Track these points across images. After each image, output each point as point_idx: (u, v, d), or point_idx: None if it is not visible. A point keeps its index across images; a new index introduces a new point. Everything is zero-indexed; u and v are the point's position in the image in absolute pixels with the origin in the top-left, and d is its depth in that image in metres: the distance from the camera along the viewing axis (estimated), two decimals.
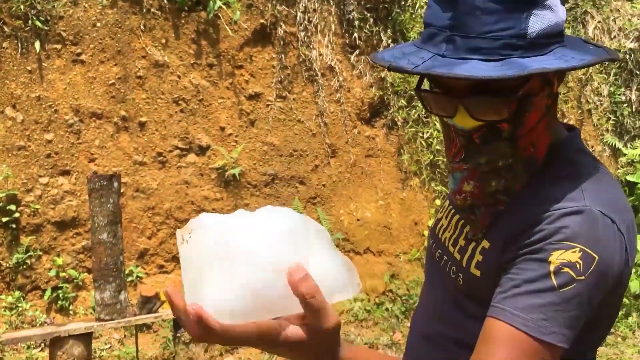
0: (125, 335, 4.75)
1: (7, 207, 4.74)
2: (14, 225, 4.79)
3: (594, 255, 0.90)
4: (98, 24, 5.18)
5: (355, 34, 5.83)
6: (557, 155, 1.03)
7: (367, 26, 5.86)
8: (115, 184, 3.36)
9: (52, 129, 5.01)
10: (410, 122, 5.90)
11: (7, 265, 4.76)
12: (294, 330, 0.73)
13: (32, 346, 4.46)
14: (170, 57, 5.36)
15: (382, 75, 5.91)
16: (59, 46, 5.08)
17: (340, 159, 5.76)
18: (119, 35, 5.24)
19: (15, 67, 4.95)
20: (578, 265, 0.90)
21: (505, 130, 0.98)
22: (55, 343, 3.18)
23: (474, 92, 0.95)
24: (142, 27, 5.29)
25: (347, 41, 5.89)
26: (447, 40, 0.94)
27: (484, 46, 0.91)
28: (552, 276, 0.90)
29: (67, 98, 5.07)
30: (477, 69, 0.89)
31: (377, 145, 5.89)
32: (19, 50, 4.94)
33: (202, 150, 5.41)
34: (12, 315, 4.62)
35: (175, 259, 5.24)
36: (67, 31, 5.11)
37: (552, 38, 0.95)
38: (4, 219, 4.74)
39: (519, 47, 0.91)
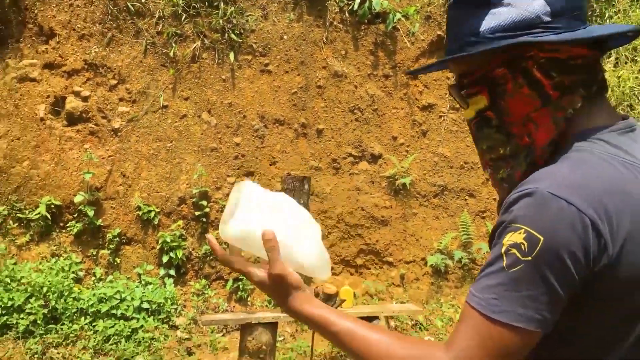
0: (296, 330, 5.01)
1: (200, 202, 5.23)
2: (204, 219, 5.29)
3: (539, 236, 0.89)
4: (285, 37, 5.55)
5: None
6: (566, 147, 1.01)
7: None
8: (306, 186, 3.59)
9: (240, 133, 5.45)
10: None
11: (197, 255, 5.25)
12: (260, 272, 1.10)
13: (214, 331, 4.87)
14: (349, 67, 5.58)
15: None
16: (249, 57, 5.52)
17: None
18: (303, 47, 5.57)
19: (212, 76, 5.46)
20: (523, 246, 0.90)
21: (492, 118, 1.06)
22: (247, 328, 3.46)
23: (456, 86, 1.10)
24: (324, 39, 5.58)
25: None
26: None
27: (451, 47, 1.07)
28: (503, 257, 0.91)
29: (255, 105, 5.49)
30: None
31: None
32: (216, 61, 5.45)
33: (374, 159, 5.55)
34: (199, 300, 5.08)
35: (344, 261, 5.43)
36: (258, 43, 5.53)
37: (516, 31, 1.00)
38: (197, 213, 5.24)
39: (474, 42, 1.02)
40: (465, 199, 5.55)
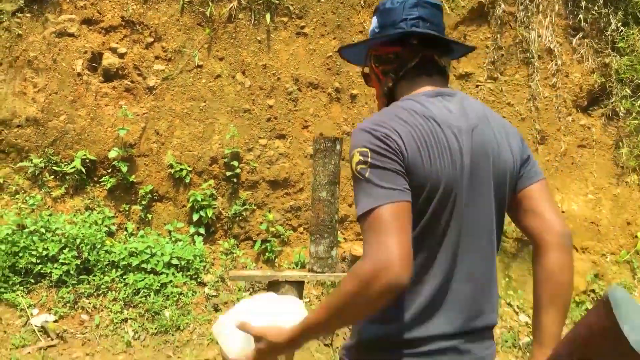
0: (322, 293, 5.04)
1: (231, 163, 5.25)
2: (235, 180, 5.31)
3: (365, 149, 1.37)
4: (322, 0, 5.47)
5: (581, 16, 5.46)
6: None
7: (596, 7, 5.45)
8: (338, 147, 3.55)
9: (273, 95, 5.43)
10: (634, 114, 5.41)
11: (227, 215, 5.30)
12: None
13: (242, 289, 4.93)
14: None
15: (607, 61, 5.48)
16: (285, 19, 5.46)
17: (549, 147, 5.47)
18: (340, 10, 5.49)
19: (247, 37, 5.43)
20: (361, 160, 1.36)
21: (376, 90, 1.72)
22: (273, 286, 3.48)
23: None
24: (362, 2, 5.48)
25: (570, 22, 5.54)
26: None
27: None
28: (357, 175, 1.37)
29: (289, 68, 5.45)
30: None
31: (593, 135, 5.49)
32: (252, 22, 5.41)
33: None
34: (227, 259, 5.14)
35: None
36: (294, 5, 5.47)
37: (369, 38, 1.65)
38: (228, 173, 5.27)
39: (370, 39, 1.65)
40: None
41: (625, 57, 5.43)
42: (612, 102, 5.48)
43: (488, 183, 1.49)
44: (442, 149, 1.42)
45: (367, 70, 1.70)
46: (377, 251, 1.25)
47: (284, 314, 1.44)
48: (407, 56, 1.57)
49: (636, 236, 5.33)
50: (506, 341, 4.59)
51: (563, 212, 5.38)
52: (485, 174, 1.48)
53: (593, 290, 5.15)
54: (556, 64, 5.48)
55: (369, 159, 1.35)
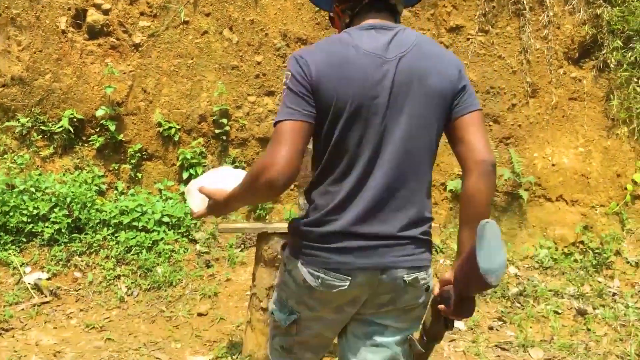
0: None
1: (220, 120, 5.22)
2: (224, 138, 5.29)
3: (288, 72, 1.68)
4: None
5: None
6: None
7: None
8: None
9: (261, 52, 5.36)
10: (625, 65, 5.36)
11: None
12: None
13: (233, 246, 4.95)
14: None
15: (598, 12, 5.41)
16: None
17: (540, 100, 5.45)
18: None
19: None
20: (285, 80, 1.68)
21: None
22: (263, 238, 3.50)
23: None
24: None
25: None
26: None
27: None
28: (283, 90, 1.70)
29: (277, 23, 5.37)
30: None
31: (584, 87, 5.46)
32: None
33: None
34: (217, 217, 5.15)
35: None
36: None
37: None
38: (217, 131, 5.24)
39: None
40: (490, 125, 5.44)
41: (617, 7, 5.36)
42: (603, 54, 5.44)
43: (413, 104, 1.66)
44: (356, 73, 1.63)
45: (332, 14, 1.92)
46: (268, 155, 1.59)
47: (231, 181, 1.84)
48: None
49: (625, 188, 5.36)
50: (495, 292, 4.65)
51: (553, 165, 5.39)
52: (408, 96, 1.65)
53: (582, 242, 5.20)
54: (547, 16, 5.41)
55: (288, 82, 1.66)
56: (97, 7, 5.18)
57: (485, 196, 1.63)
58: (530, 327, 4.26)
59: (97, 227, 4.75)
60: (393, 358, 1.80)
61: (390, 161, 1.65)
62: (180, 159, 5.17)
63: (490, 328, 4.24)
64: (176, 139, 5.22)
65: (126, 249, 4.67)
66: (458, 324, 4.22)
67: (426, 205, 1.74)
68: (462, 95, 1.70)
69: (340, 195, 1.66)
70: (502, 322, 4.33)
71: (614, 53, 5.40)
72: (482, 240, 1.40)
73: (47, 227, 4.64)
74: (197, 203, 2.00)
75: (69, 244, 4.65)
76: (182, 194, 4.94)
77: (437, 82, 1.66)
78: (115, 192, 5.11)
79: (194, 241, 4.93)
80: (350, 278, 1.66)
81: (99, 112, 5.05)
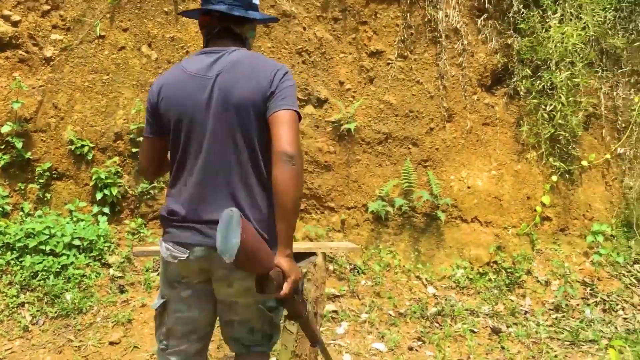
0: None
1: (137, 139, 5.03)
2: None
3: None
4: None
5: None
6: None
7: None
8: None
9: None
10: (534, 93, 5.66)
11: (133, 193, 5.08)
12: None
13: (149, 269, 4.75)
14: (298, 8, 5.43)
15: (509, 42, 5.70)
16: None
17: (456, 124, 5.64)
18: None
19: (153, 8, 5.20)
20: None
21: None
22: None
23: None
24: None
25: (475, 4, 5.71)
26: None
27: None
28: None
29: (198, 41, 5.27)
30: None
31: (496, 113, 5.71)
32: None
33: (320, 103, 5.47)
34: (134, 239, 4.94)
35: None
36: None
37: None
38: (134, 150, 5.05)
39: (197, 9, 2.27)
40: (409, 148, 5.56)
41: (526, 38, 5.66)
42: (513, 82, 5.72)
43: (224, 113, 2.03)
44: (181, 92, 2.07)
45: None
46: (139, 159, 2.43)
47: None
48: (213, 24, 2.19)
49: (535, 210, 5.62)
50: (414, 312, 4.71)
51: (468, 187, 5.57)
52: (224, 106, 2.03)
53: (495, 262, 5.39)
54: (462, 44, 5.63)
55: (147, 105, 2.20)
56: (6, 18, 4.90)
57: (281, 185, 1.91)
58: (448, 347, 4.34)
59: (0, 252, 4.43)
60: (250, 329, 2.25)
61: (203, 162, 2.06)
62: (93, 178, 4.93)
63: (410, 348, 4.28)
64: (89, 157, 4.98)
65: (32, 274, 4.38)
66: (378, 345, 4.24)
67: (244, 197, 2.05)
68: (272, 99, 2.01)
69: (176, 190, 2.13)
70: (421, 342, 4.39)
71: (524, 81, 5.69)
72: (221, 226, 1.80)
73: None
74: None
75: None
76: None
77: (247, 92, 2.02)
78: (21, 213, 4.79)
79: (108, 265, 4.69)
80: (188, 251, 2.07)
81: (5, 128, 4.75)
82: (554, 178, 5.66)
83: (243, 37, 2.22)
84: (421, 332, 4.52)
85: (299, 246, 3.78)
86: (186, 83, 2.06)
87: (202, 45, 2.27)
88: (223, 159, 2.04)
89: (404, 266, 5.28)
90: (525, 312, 4.93)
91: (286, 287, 1.95)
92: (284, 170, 1.90)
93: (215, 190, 2.05)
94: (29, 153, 4.87)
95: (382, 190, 5.40)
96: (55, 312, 4.22)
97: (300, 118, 2.07)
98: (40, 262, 4.42)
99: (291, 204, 1.91)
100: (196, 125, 2.05)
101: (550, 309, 5.00)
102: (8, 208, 4.76)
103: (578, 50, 5.63)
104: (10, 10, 4.92)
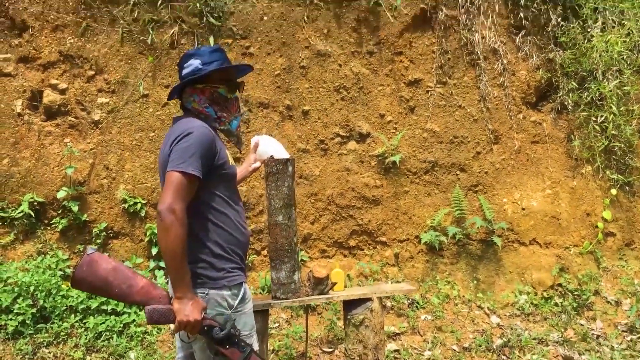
0: (292, 316, 4.93)
1: None
2: None
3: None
4: (265, 18, 5.41)
5: (521, 14, 5.53)
6: None
7: (535, 5, 5.53)
8: (290, 168, 3.47)
9: None
10: (582, 106, 5.49)
11: None
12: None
13: None
14: (332, 46, 5.45)
15: (550, 56, 5.56)
16: (230, 40, 5.38)
17: (503, 146, 5.51)
18: (284, 28, 5.44)
19: None
20: None
21: None
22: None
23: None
24: (305, 18, 5.44)
25: (511, 22, 5.61)
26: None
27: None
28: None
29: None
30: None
31: (545, 130, 5.55)
32: (195, 46, 5.30)
33: (362, 138, 5.45)
34: None
35: (337, 244, 5.34)
36: (237, 26, 5.39)
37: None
38: None
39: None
40: (457, 174, 5.46)
41: (568, 50, 5.51)
42: (559, 96, 5.56)
43: (161, 172, 2.37)
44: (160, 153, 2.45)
45: None
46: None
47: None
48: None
49: (596, 226, 5.40)
50: (480, 345, 4.56)
51: (523, 209, 5.41)
52: (161, 167, 2.39)
53: (560, 284, 5.18)
54: (502, 64, 5.53)
55: None
56: (54, 87, 5.11)
57: (159, 237, 2.15)
58: None
59: (64, 315, 4.55)
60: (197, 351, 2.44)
61: None
62: (148, 234, 5.03)
63: None
64: (142, 214, 5.09)
65: (96, 335, 4.47)
66: None
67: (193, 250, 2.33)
68: (169, 160, 2.24)
69: None
70: None
71: (570, 94, 5.52)
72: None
73: (11, 319, 4.43)
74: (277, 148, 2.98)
75: (34, 335, 4.43)
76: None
77: (162, 158, 2.37)
78: None
79: None
80: None
81: (61, 194, 4.91)
82: (614, 191, 5.44)
83: (185, 106, 2.53)
84: None
85: (353, 292, 3.73)
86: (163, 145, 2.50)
87: None
88: None
89: (463, 296, 5.14)
90: (598, 337, 4.70)
91: (174, 327, 2.22)
92: (158, 225, 2.15)
93: None
94: (85, 215, 5.02)
95: (434, 220, 5.30)
96: None
97: (186, 174, 2.20)
98: (104, 323, 4.52)
99: (165, 254, 2.14)
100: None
101: (623, 331, 4.76)
102: (69, 271, 4.90)
103: (624, 57, 5.44)
104: (57, 79, 5.13)
